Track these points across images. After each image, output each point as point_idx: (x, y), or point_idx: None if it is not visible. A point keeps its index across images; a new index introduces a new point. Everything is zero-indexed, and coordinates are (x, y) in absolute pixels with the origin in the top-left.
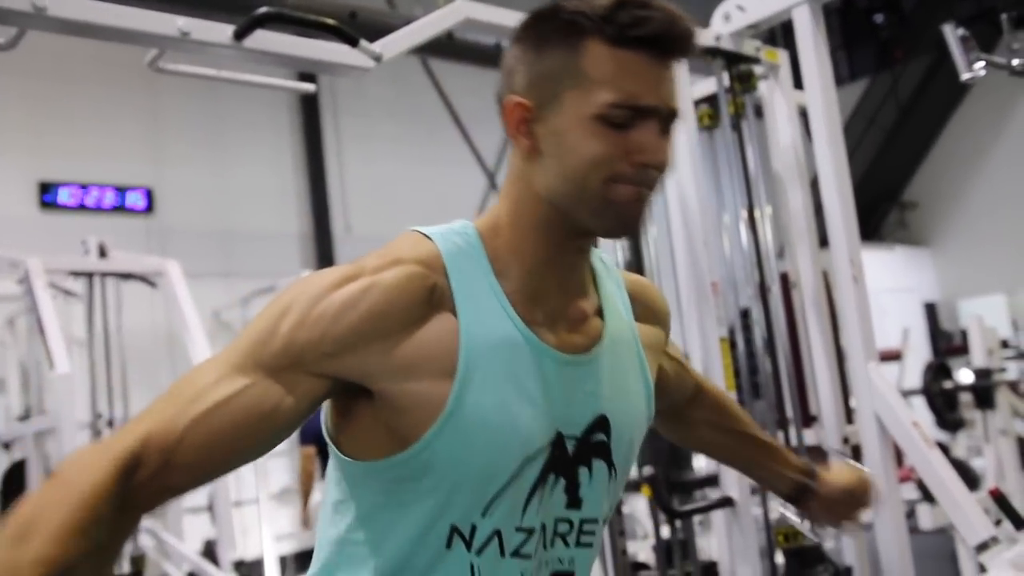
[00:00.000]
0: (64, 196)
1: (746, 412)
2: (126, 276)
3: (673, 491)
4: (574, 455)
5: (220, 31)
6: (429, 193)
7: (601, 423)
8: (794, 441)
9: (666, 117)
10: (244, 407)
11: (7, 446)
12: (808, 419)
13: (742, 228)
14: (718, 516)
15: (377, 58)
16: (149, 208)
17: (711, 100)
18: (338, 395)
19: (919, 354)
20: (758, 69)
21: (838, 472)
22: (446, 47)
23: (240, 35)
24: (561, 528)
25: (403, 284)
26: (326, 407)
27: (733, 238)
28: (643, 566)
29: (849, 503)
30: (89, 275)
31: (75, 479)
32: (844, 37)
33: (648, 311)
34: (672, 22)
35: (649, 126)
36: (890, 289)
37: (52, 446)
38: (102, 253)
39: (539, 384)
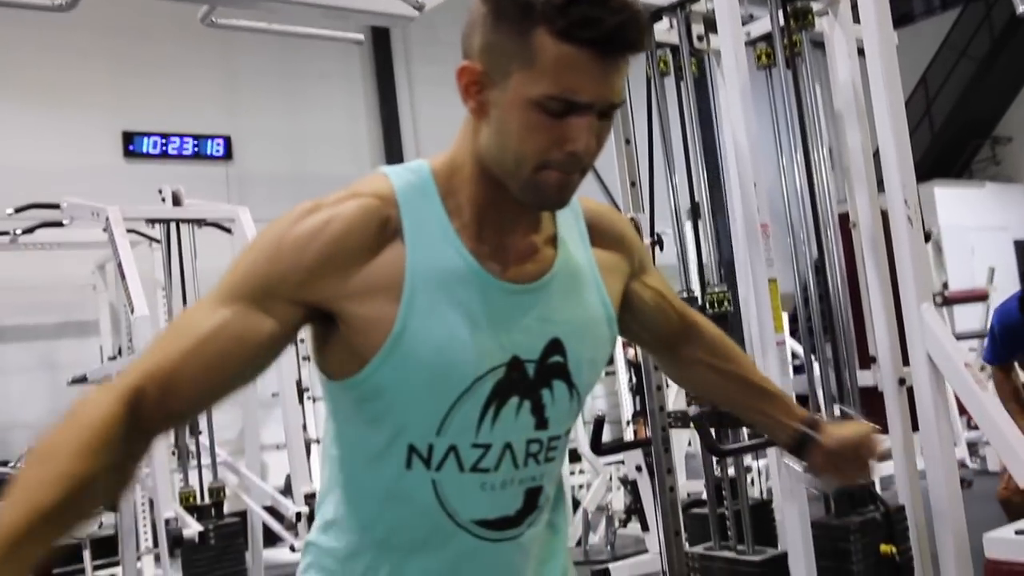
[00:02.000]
0: (147, 145)
1: (747, 357)
2: (200, 223)
3: (722, 428)
4: (534, 378)
5: None
6: None
7: (555, 345)
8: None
9: (605, 109)
10: (230, 335)
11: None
12: (867, 360)
13: (795, 170)
14: (773, 456)
15: (419, 7)
16: (227, 155)
17: (769, 38)
18: (315, 321)
19: (1008, 295)
20: (817, 5)
21: (843, 427)
22: None
23: None
24: (532, 448)
25: (359, 215)
26: (309, 334)
27: (790, 180)
28: (701, 503)
29: (853, 458)
30: (166, 222)
31: (87, 413)
32: None
33: (607, 237)
34: (623, 25)
35: (583, 119)
36: (979, 227)
37: None
38: (176, 201)
39: (485, 311)
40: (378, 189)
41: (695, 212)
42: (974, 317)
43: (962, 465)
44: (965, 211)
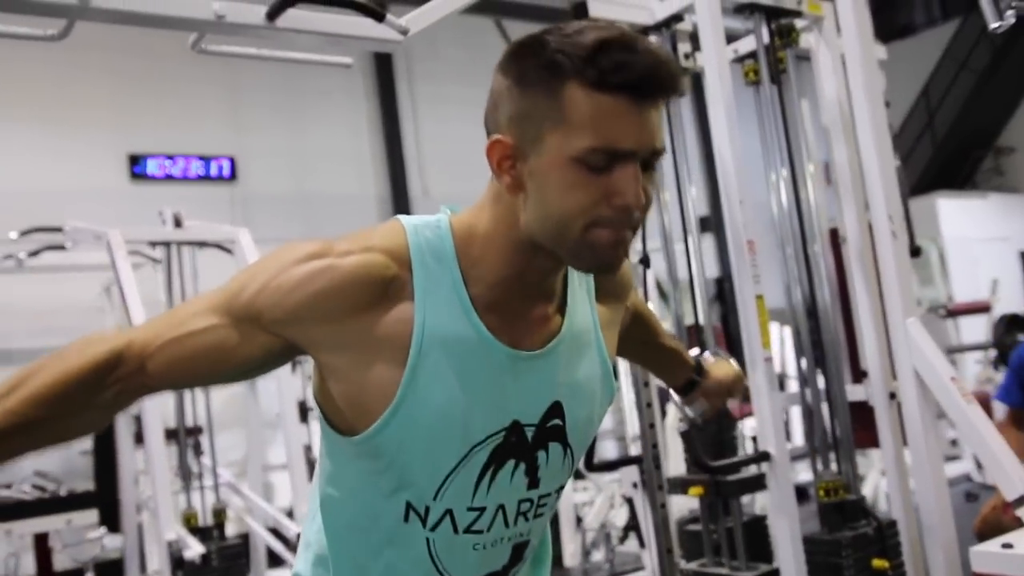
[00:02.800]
0: (152, 167)
1: (661, 326)
2: (201, 244)
3: (713, 447)
4: (532, 442)
5: (254, 12)
6: None
7: (555, 409)
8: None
9: (647, 157)
10: (208, 343)
11: None
12: (859, 375)
13: (782, 186)
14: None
15: (404, 31)
16: (232, 176)
17: (756, 55)
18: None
19: (1012, 306)
20: (802, 22)
21: (717, 368)
22: (518, 7)
23: (272, 15)
24: (523, 507)
25: (360, 271)
26: (313, 371)
27: (780, 196)
28: (695, 520)
29: (721, 392)
30: (167, 244)
31: (70, 357)
32: None
33: (610, 284)
34: (655, 67)
35: (628, 168)
36: (983, 238)
37: (136, 405)
38: (178, 223)
39: (491, 378)
40: (391, 246)
41: (685, 230)
42: (980, 329)
43: (968, 479)
44: (968, 222)
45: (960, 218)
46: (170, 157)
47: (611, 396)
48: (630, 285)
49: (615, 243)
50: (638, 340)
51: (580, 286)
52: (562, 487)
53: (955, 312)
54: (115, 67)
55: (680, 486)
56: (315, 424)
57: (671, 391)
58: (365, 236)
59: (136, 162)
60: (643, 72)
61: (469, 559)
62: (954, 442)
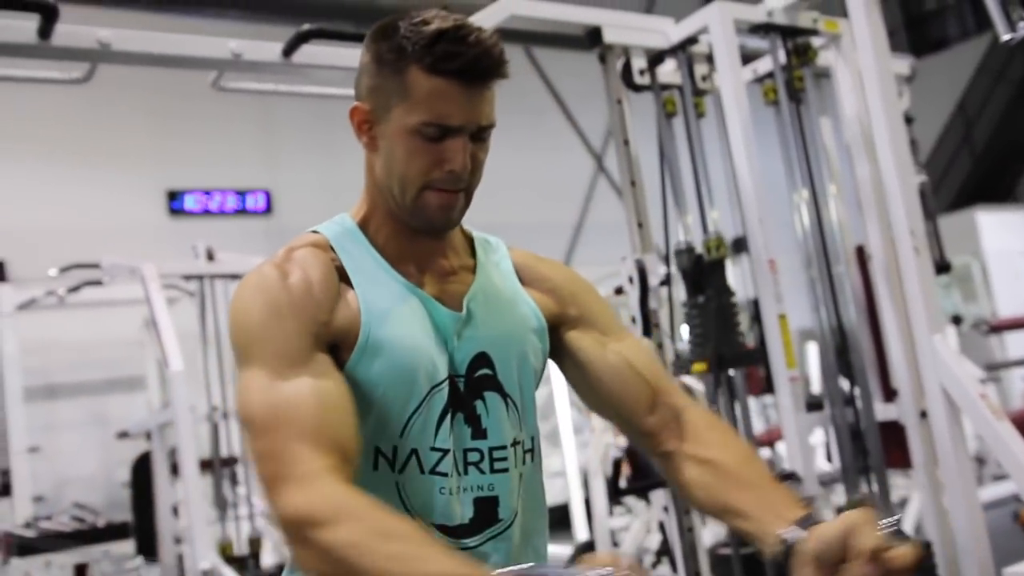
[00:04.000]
0: (190, 202)
1: (743, 445)
2: (234, 277)
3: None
4: (465, 391)
5: (270, 49)
6: (536, 180)
7: (482, 359)
8: (877, 415)
9: (475, 131)
10: (329, 389)
11: (148, 436)
12: (889, 393)
13: (802, 205)
14: None
15: None
16: (268, 209)
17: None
18: None
19: None
20: (819, 40)
21: (834, 521)
22: (545, 34)
23: (288, 52)
24: (472, 457)
25: (316, 254)
26: None
27: (800, 216)
28: (726, 545)
29: (836, 560)
30: (200, 277)
31: (340, 507)
32: None
33: (536, 279)
34: (479, 57)
35: (457, 140)
36: None
37: (172, 436)
38: (210, 256)
39: (432, 325)
40: (312, 240)
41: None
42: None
43: (1017, 499)
44: (1011, 236)
45: (1001, 232)
46: (207, 192)
47: (542, 336)
48: (564, 281)
49: (444, 205)
50: (682, 455)
51: (493, 263)
52: (521, 444)
53: (998, 328)
54: (152, 106)
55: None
56: None
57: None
58: (284, 247)
59: (174, 198)
60: (470, 60)
61: (437, 504)
62: None
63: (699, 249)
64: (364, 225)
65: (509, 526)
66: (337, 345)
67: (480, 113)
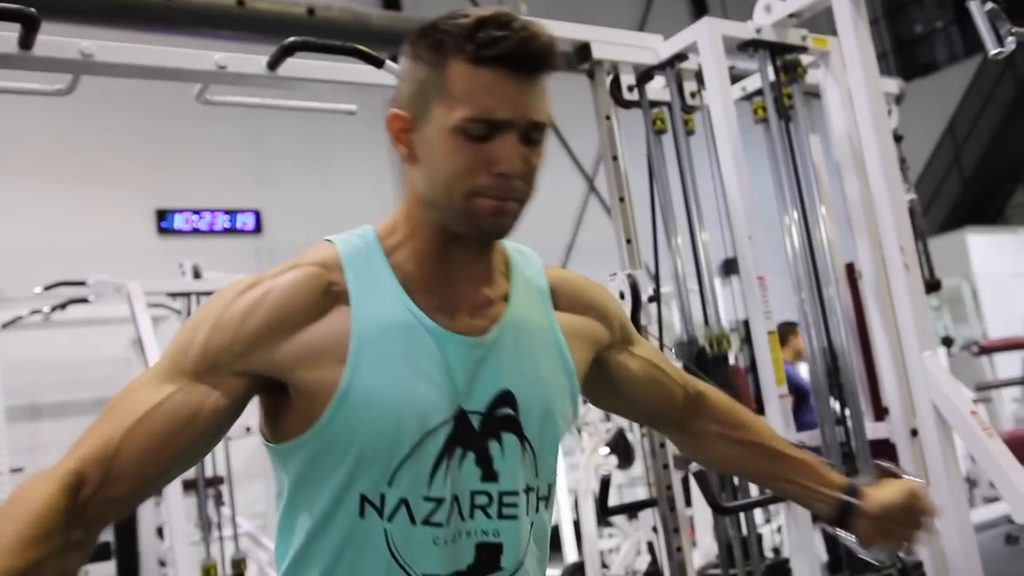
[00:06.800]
0: (179, 222)
1: (764, 423)
2: None
3: (728, 487)
4: (481, 429)
5: (255, 62)
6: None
7: (505, 398)
8: (868, 435)
9: (527, 129)
10: (171, 411)
11: None
12: (880, 412)
13: (792, 225)
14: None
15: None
16: (258, 228)
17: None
18: (265, 392)
19: None
20: (808, 58)
21: (886, 487)
22: None
23: (273, 65)
24: (479, 500)
25: (299, 284)
26: (260, 406)
27: (792, 232)
28: (717, 566)
29: (904, 521)
30: (187, 295)
31: (24, 501)
32: (957, 12)
33: (573, 302)
34: (527, 41)
35: (507, 138)
36: (1016, 273)
37: None
38: (197, 274)
39: (436, 363)
40: (322, 257)
41: (699, 272)
42: (1016, 365)
43: (1009, 520)
44: (1001, 257)
45: (992, 253)
46: (196, 212)
47: (574, 400)
48: (602, 305)
49: (496, 211)
50: (721, 437)
51: (527, 285)
52: (534, 490)
53: (988, 349)
54: (142, 124)
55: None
56: None
57: (829, 525)
58: (291, 260)
59: (163, 217)
60: (516, 46)
61: (431, 555)
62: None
63: (701, 341)
64: (389, 243)
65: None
66: (292, 382)
67: (530, 107)
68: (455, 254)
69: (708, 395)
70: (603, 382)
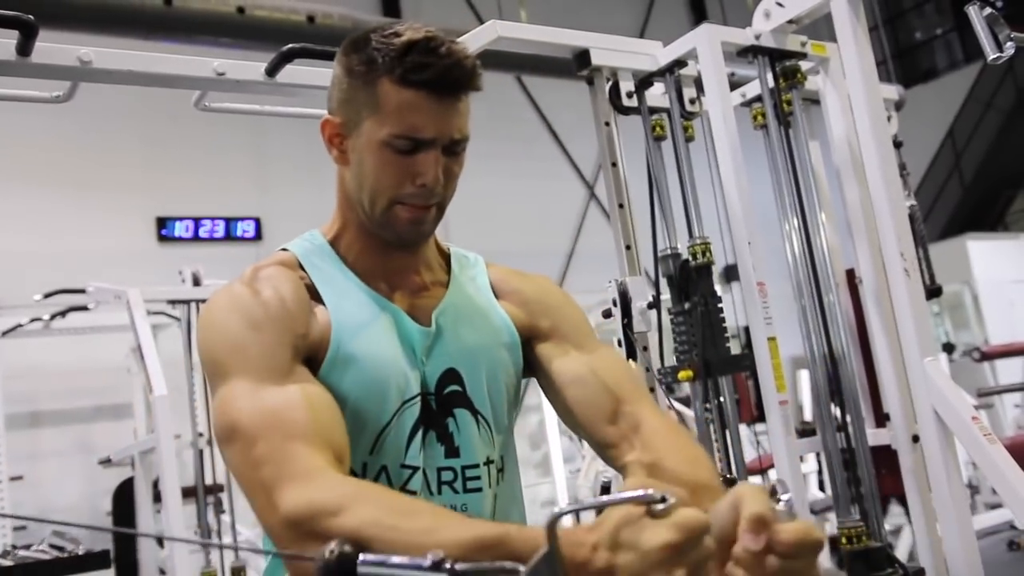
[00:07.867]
0: (179, 229)
1: (694, 449)
2: None
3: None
4: (437, 408)
5: (254, 69)
6: (528, 208)
7: (451, 375)
8: (869, 441)
9: (448, 144)
10: (317, 393)
11: (133, 464)
12: (881, 418)
13: (792, 232)
14: None
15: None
16: (258, 235)
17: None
18: None
19: None
20: (807, 64)
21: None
22: (537, 63)
23: (271, 71)
24: (445, 476)
25: (281, 268)
26: None
27: (792, 238)
28: None
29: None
30: (186, 303)
31: (336, 487)
32: (957, 19)
33: (510, 292)
34: (451, 68)
35: (429, 154)
36: (1017, 280)
37: (156, 464)
38: (196, 282)
39: (404, 340)
40: (280, 259)
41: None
42: (1018, 371)
43: (1011, 526)
44: (1002, 264)
45: (993, 260)
46: (197, 219)
47: (517, 366)
48: (537, 294)
49: (413, 220)
50: (637, 465)
51: (467, 272)
52: (493, 462)
53: (989, 355)
54: (142, 131)
55: None
56: None
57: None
58: (252, 266)
59: (163, 225)
60: (441, 72)
61: None
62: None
63: (684, 254)
64: (335, 241)
65: None
66: (310, 359)
67: (452, 126)
68: (390, 248)
69: (648, 421)
70: (541, 377)
